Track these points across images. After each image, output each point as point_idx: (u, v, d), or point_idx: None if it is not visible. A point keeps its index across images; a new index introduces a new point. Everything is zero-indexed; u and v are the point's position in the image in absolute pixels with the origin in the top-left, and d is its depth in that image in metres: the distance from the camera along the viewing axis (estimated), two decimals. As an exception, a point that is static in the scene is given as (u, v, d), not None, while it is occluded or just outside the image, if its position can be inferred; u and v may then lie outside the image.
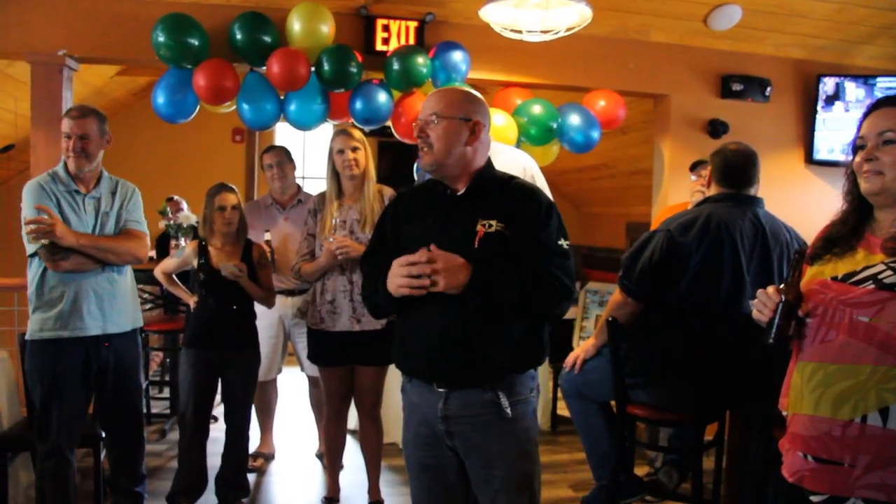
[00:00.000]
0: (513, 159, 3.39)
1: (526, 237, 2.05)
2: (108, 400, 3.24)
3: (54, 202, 2.99)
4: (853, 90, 4.99)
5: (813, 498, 1.69)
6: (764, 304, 1.79)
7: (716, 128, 4.93)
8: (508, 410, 2.08)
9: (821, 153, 5.06)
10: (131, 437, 3.37)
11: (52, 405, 3.04)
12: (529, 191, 2.16)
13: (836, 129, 4.98)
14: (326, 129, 5.18)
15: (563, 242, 2.10)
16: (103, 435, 3.47)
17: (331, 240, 3.23)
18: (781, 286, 1.77)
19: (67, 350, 3.04)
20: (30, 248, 3.00)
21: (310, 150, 8.24)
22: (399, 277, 1.99)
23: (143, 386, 4.13)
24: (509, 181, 2.21)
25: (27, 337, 3.07)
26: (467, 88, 2.23)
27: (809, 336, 1.75)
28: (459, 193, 2.14)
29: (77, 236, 2.97)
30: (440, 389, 2.10)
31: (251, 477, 4.03)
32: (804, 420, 1.73)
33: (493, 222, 2.04)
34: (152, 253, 4.69)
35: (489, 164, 2.19)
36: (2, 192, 7.34)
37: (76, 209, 3.05)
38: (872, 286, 1.63)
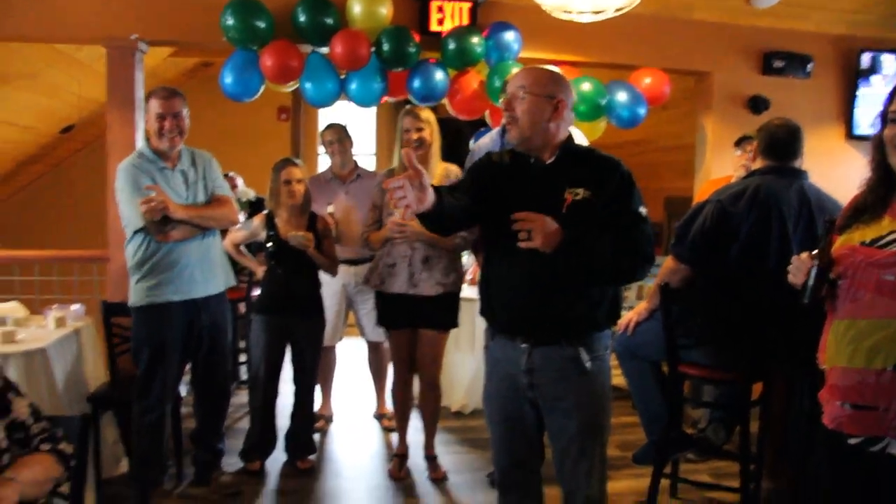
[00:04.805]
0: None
1: (611, 204, 2.21)
2: (201, 359, 3.47)
3: (150, 180, 3.19)
4: (892, 63, 5.06)
5: (850, 441, 1.85)
6: (798, 268, 1.96)
7: (757, 104, 5.03)
8: (588, 365, 2.26)
9: (861, 128, 5.15)
10: (219, 395, 3.61)
11: (158, 365, 3.28)
12: (612, 161, 2.31)
13: (876, 104, 5.05)
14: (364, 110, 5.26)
15: (642, 209, 2.26)
16: (183, 393, 3.74)
17: (397, 214, 3.42)
18: (814, 252, 1.94)
19: (174, 313, 3.27)
20: (133, 223, 3.20)
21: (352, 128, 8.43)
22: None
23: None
24: (592, 152, 2.37)
25: (133, 304, 3.30)
26: (553, 69, 2.37)
27: (841, 296, 1.91)
28: (548, 163, 2.29)
29: (184, 209, 3.19)
30: (523, 345, 2.29)
31: (315, 437, 4.25)
32: (841, 372, 1.89)
33: (580, 190, 2.19)
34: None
35: (571, 136, 2.34)
36: (61, 171, 7.66)
37: (169, 183, 3.26)
38: None
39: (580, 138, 3.65)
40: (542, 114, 2.24)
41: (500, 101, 2.32)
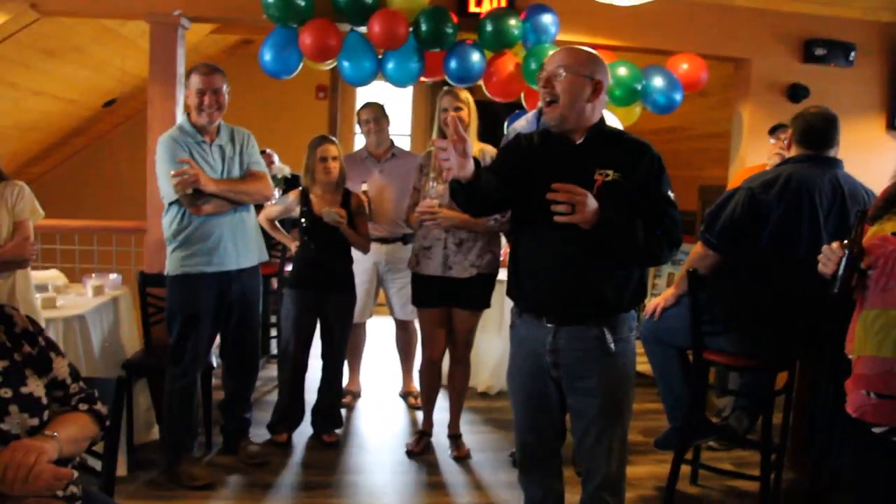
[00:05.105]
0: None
1: (641, 187, 2.23)
2: (231, 331, 3.56)
3: (187, 153, 3.27)
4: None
5: (874, 429, 1.86)
6: (828, 257, 1.97)
7: (796, 92, 4.96)
8: (612, 346, 2.29)
9: (904, 119, 5.06)
10: (248, 367, 3.70)
11: (190, 333, 3.37)
12: (642, 144, 2.32)
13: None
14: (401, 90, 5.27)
15: (671, 193, 2.28)
16: (215, 365, 3.83)
17: (431, 193, 3.45)
18: (845, 241, 1.94)
19: (207, 284, 3.36)
20: (169, 195, 3.29)
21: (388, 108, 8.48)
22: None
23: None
24: (622, 134, 2.39)
25: (168, 273, 3.39)
26: (591, 50, 2.37)
27: (871, 286, 1.92)
28: (578, 143, 2.31)
29: (216, 183, 3.26)
30: (549, 325, 2.32)
31: (341, 412, 4.30)
32: (868, 361, 1.90)
33: (611, 172, 2.21)
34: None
35: (603, 119, 2.35)
36: (103, 144, 7.80)
37: (206, 157, 3.34)
38: None
39: (615, 123, 3.65)
40: (581, 93, 2.25)
41: (538, 80, 2.30)
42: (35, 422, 1.72)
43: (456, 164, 2.05)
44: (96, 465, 2.08)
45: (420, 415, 4.09)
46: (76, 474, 1.79)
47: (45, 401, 1.78)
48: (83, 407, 1.85)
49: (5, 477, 1.53)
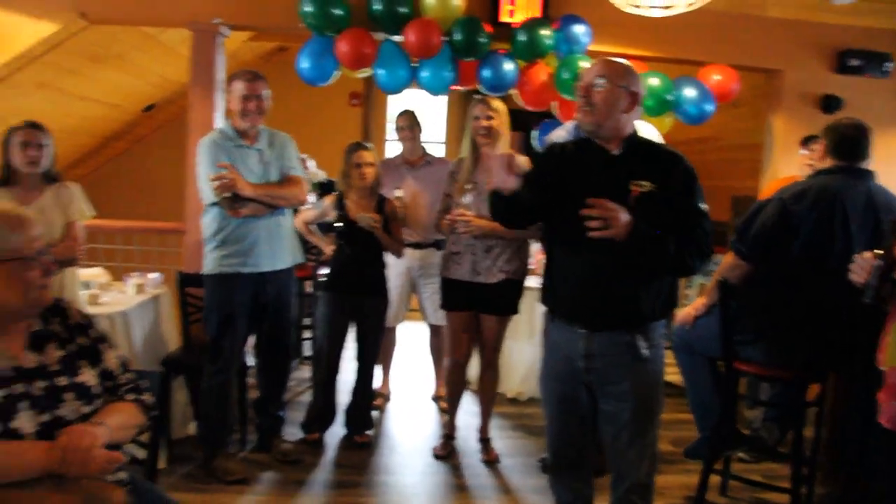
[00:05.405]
0: (644, 131, 3.55)
1: (674, 198, 2.27)
2: (265, 331, 3.64)
3: (227, 157, 3.35)
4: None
5: None
6: (861, 267, 1.98)
7: (829, 103, 4.95)
8: (644, 352, 2.33)
9: (939, 131, 5.01)
10: (281, 366, 3.78)
11: (226, 331, 3.46)
12: (675, 155, 2.37)
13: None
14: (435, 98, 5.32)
15: (703, 205, 2.31)
16: (249, 364, 3.91)
17: (466, 202, 3.49)
18: (878, 251, 1.94)
19: (242, 284, 3.44)
20: (209, 197, 3.38)
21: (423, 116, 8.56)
22: None
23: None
24: (656, 146, 2.43)
25: (205, 271, 3.49)
26: (627, 62, 2.42)
27: None
28: (615, 153, 2.35)
29: (254, 187, 3.34)
30: (582, 330, 2.36)
31: (373, 413, 4.37)
32: None
33: (646, 183, 2.25)
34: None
35: (635, 131, 2.40)
36: (142, 147, 7.98)
37: (245, 161, 3.42)
38: None
39: (654, 133, 3.66)
40: (618, 104, 2.30)
41: (576, 89, 2.35)
42: (88, 409, 1.80)
43: (502, 179, 2.12)
44: (137, 457, 2.16)
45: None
46: (126, 458, 1.87)
47: (96, 390, 1.86)
48: (131, 397, 1.93)
49: (64, 459, 1.61)
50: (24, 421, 1.69)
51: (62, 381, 1.78)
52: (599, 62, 2.38)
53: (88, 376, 1.85)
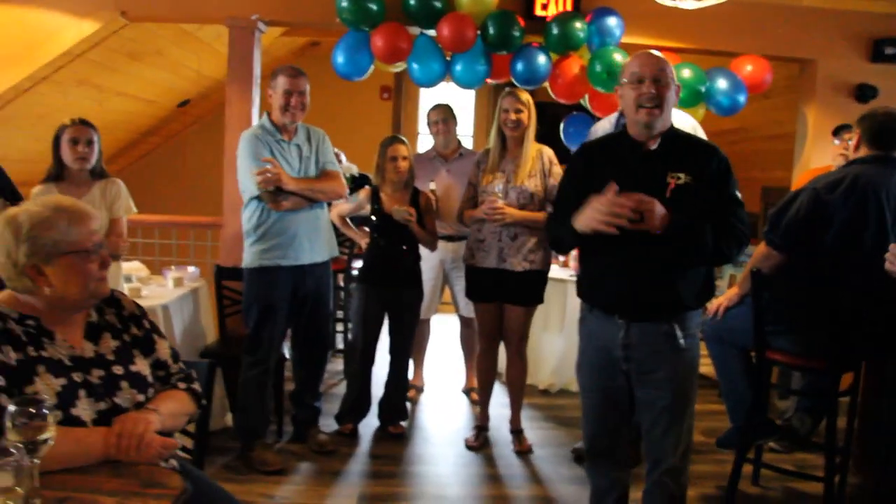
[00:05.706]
0: (682, 120, 3.54)
1: (710, 189, 2.30)
2: (303, 323, 3.70)
3: (268, 151, 3.41)
4: None
5: None
6: None
7: (864, 92, 4.89)
8: (682, 342, 2.36)
9: (976, 120, 4.93)
10: (318, 358, 3.84)
11: (265, 323, 3.53)
12: (711, 147, 2.40)
13: None
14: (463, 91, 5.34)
15: (738, 194, 2.34)
16: (287, 356, 3.98)
17: (497, 191, 3.54)
18: None
19: (282, 276, 3.50)
20: (250, 191, 3.44)
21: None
22: (598, 214, 2.19)
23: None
24: (691, 138, 2.46)
25: (245, 265, 3.55)
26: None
27: None
28: (652, 148, 2.37)
29: (296, 181, 3.41)
30: (620, 321, 2.39)
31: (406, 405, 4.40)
32: None
33: (682, 175, 2.28)
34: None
35: (672, 123, 2.42)
36: (177, 142, 8.10)
37: (284, 155, 3.48)
38: None
39: (691, 122, 3.66)
40: (673, 98, 2.35)
41: (630, 87, 2.35)
42: (141, 398, 1.87)
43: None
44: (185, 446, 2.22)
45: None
46: (180, 444, 1.94)
47: (150, 379, 1.93)
48: (182, 386, 1.99)
49: (120, 445, 1.67)
50: (83, 409, 1.75)
51: (118, 369, 1.85)
52: (656, 56, 2.38)
53: (142, 366, 1.92)
